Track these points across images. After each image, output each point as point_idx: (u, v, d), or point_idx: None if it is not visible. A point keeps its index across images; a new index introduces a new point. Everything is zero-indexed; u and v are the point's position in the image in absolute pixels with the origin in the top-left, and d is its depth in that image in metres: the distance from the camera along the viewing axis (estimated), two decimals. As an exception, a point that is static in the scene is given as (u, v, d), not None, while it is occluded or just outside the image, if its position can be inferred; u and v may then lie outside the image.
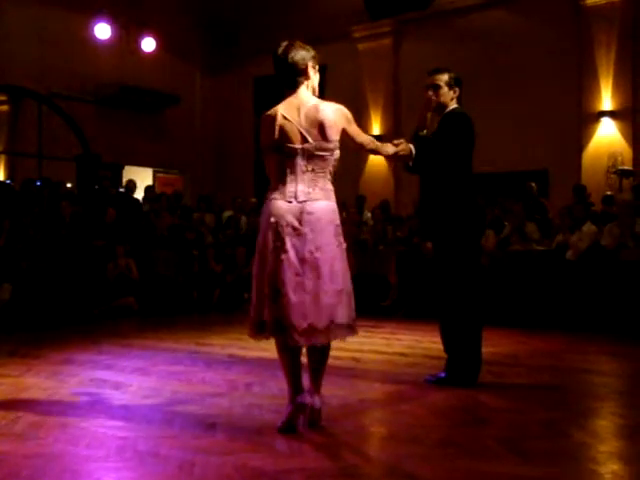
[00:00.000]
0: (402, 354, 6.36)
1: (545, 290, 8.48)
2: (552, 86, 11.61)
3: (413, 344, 7.01)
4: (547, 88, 11.63)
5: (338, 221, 3.78)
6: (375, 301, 9.68)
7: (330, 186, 3.78)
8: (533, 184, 10.53)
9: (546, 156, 11.61)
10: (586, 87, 11.41)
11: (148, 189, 12.56)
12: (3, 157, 13.66)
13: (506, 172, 11.84)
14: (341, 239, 3.74)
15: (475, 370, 4.82)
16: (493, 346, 6.55)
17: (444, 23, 12.80)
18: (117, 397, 4.51)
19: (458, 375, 4.80)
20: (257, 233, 3.81)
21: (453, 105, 4.92)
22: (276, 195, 3.71)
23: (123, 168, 14.27)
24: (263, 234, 3.71)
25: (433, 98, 4.89)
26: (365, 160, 13.19)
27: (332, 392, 4.48)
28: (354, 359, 5.94)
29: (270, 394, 4.54)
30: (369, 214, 11.83)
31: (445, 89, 4.89)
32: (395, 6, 13.04)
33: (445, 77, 4.90)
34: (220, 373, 5.37)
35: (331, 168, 3.78)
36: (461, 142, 4.79)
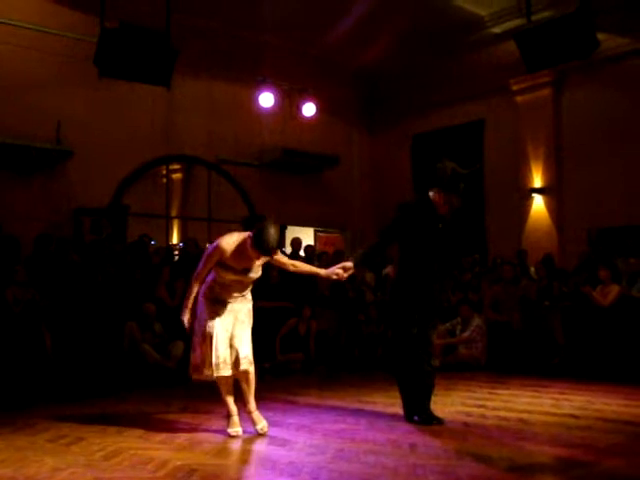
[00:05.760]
0: (573, 415, 6.02)
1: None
2: None
3: (584, 405, 6.62)
4: None
5: None
6: (542, 360, 9.30)
7: None
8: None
9: None
10: None
11: (308, 248, 12.89)
12: (177, 222, 14.60)
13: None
14: None
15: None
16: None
17: (607, 70, 12.34)
18: (284, 453, 4.61)
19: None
20: None
21: None
22: None
23: (286, 228, 14.78)
24: None
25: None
26: (527, 213, 12.88)
27: (499, 454, 4.33)
28: (521, 420, 5.71)
29: (434, 454, 4.45)
30: (532, 269, 11.48)
31: None
32: (554, 56, 12.70)
33: None
34: (383, 432, 5.34)
35: None
36: None
